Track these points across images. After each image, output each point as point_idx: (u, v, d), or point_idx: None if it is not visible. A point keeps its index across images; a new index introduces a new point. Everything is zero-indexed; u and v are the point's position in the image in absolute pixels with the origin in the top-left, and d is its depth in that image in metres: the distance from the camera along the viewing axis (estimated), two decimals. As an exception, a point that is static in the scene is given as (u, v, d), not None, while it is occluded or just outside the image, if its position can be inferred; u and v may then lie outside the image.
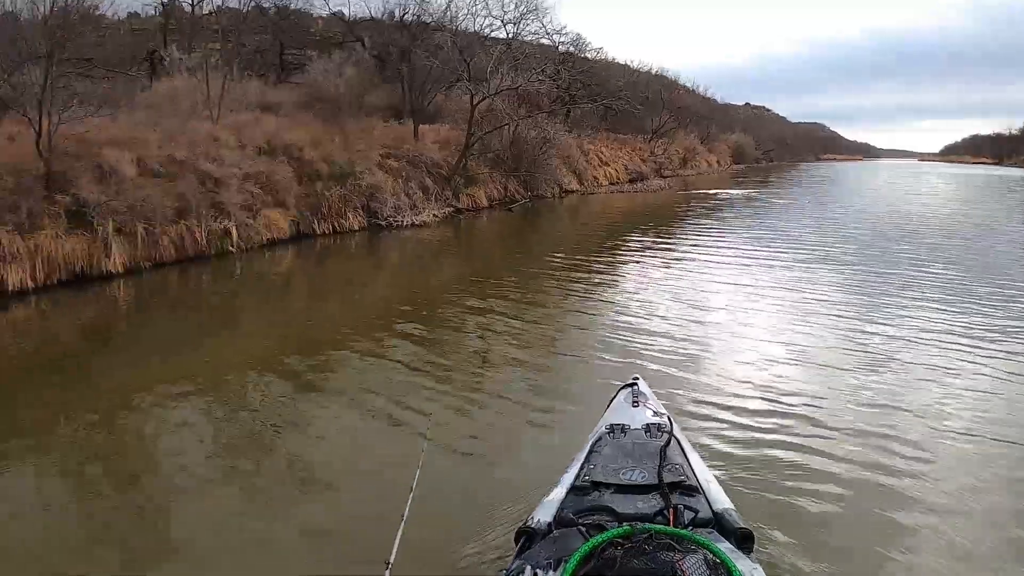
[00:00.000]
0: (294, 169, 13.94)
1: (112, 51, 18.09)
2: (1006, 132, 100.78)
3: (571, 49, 30.03)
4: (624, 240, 15.28)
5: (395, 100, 22.37)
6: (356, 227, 14.42)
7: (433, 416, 4.61)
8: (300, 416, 5.46)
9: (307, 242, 13.27)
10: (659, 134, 40.19)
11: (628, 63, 40.98)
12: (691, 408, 5.54)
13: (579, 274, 11.09)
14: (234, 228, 11.81)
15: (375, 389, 5.89)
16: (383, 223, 14.90)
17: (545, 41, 28.49)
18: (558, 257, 12.54)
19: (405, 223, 15.21)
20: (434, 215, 16.38)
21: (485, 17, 27.61)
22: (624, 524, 2.37)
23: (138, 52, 20.94)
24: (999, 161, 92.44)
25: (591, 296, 9.71)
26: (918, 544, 3.81)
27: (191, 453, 4.81)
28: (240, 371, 6.50)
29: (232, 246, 11.71)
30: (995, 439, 5.06)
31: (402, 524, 2.56)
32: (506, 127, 21.48)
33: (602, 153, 31.37)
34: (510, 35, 26.53)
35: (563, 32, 29.45)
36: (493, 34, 26.14)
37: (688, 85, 50.14)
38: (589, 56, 31.51)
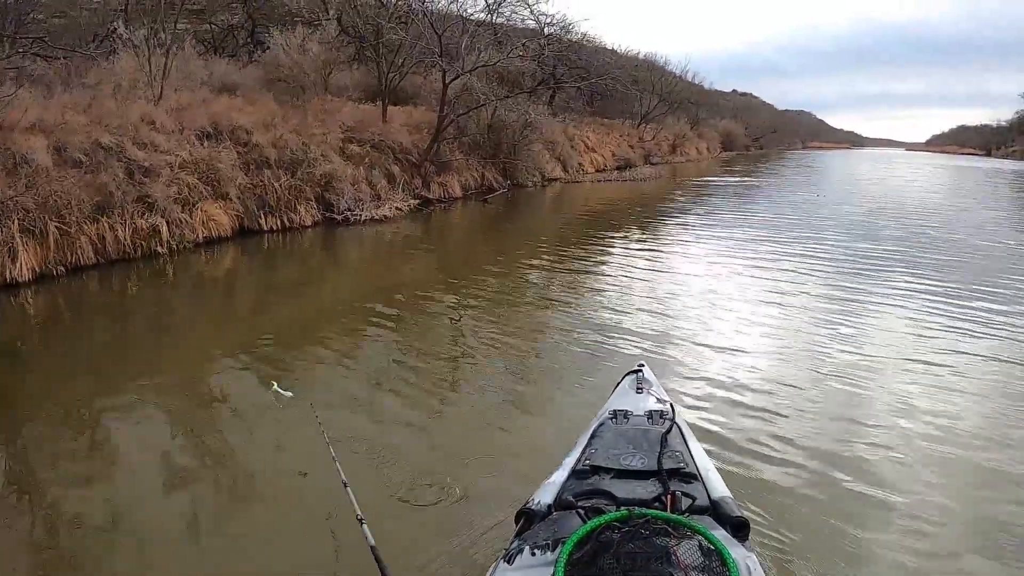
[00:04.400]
0: (240, 156, 12.45)
1: (72, 29, 16.93)
2: (993, 123, 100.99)
3: (557, 31, 28.59)
4: (618, 231, 14.76)
5: (371, 81, 20.85)
6: (309, 222, 12.76)
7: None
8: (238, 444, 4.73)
9: (252, 240, 11.74)
10: (648, 119, 38.91)
11: (616, 47, 39.58)
12: (695, 396, 5.61)
13: (571, 267, 10.76)
14: (164, 225, 10.40)
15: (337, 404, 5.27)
16: (339, 217, 13.25)
17: (531, 23, 27.07)
18: (548, 250, 12.10)
19: (364, 217, 13.54)
20: (397, 208, 14.65)
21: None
22: (622, 508, 2.37)
23: (100, 31, 19.52)
24: (988, 152, 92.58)
25: (586, 288, 9.52)
26: (913, 537, 3.85)
27: (110, 485, 4.20)
28: (173, 388, 5.72)
29: (161, 246, 10.25)
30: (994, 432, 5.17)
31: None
32: (484, 108, 19.92)
33: (588, 139, 30.02)
34: (493, 17, 25.12)
35: (549, 15, 27.83)
36: (475, 16, 24.70)
37: (676, 71, 48.76)
38: (575, 39, 30.07)
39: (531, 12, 26.76)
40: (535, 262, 10.98)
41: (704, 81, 59.75)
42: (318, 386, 5.61)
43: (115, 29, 19.05)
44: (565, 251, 12.02)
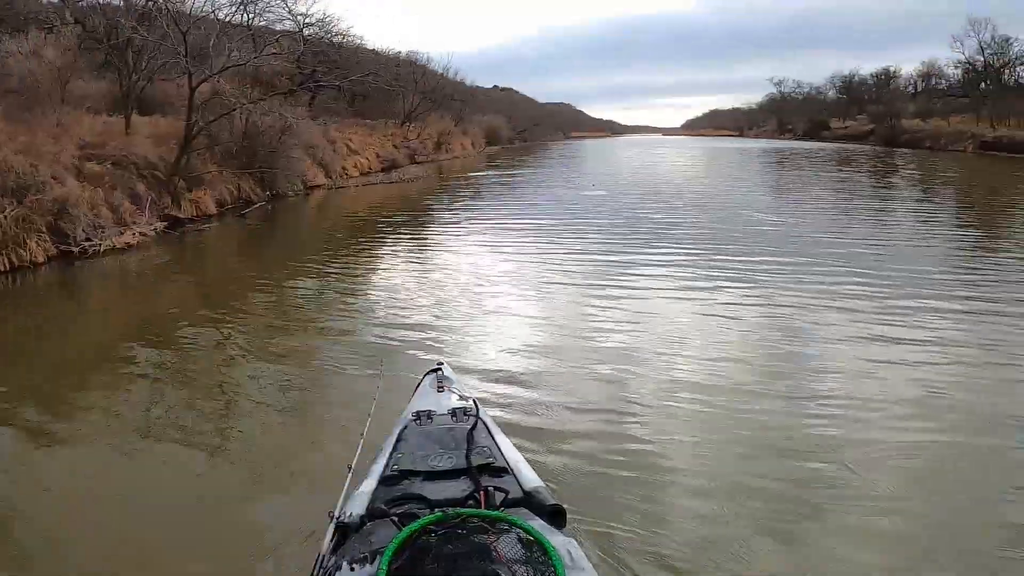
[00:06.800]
0: (-48, 185, 11.12)
1: None
2: (744, 106, 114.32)
3: (317, 31, 28.05)
4: (389, 235, 15.02)
5: (116, 90, 19.03)
6: (42, 258, 11.35)
7: None
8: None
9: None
10: (411, 118, 39.38)
11: (377, 47, 39.55)
12: (497, 389, 5.79)
13: (345, 277, 10.89)
14: None
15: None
16: (76, 249, 11.98)
17: (289, 23, 26.32)
18: (317, 262, 11.92)
19: (105, 246, 12.42)
20: (143, 234, 13.66)
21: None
22: (436, 510, 2.36)
23: None
24: (740, 133, 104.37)
25: (364, 297, 9.72)
26: (700, 499, 4.28)
27: None
28: None
29: None
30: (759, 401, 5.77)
31: None
32: (237, 114, 19.03)
33: (351, 141, 29.88)
34: (248, 17, 24.14)
35: (308, 15, 27.11)
36: (226, 16, 23.46)
37: (438, 69, 49.68)
38: (336, 40, 29.68)
39: (288, 10, 25.97)
40: (305, 277, 10.83)
41: (466, 78, 61.42)
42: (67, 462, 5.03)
43: None
44: (336, 262, 11.96)
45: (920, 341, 7.13)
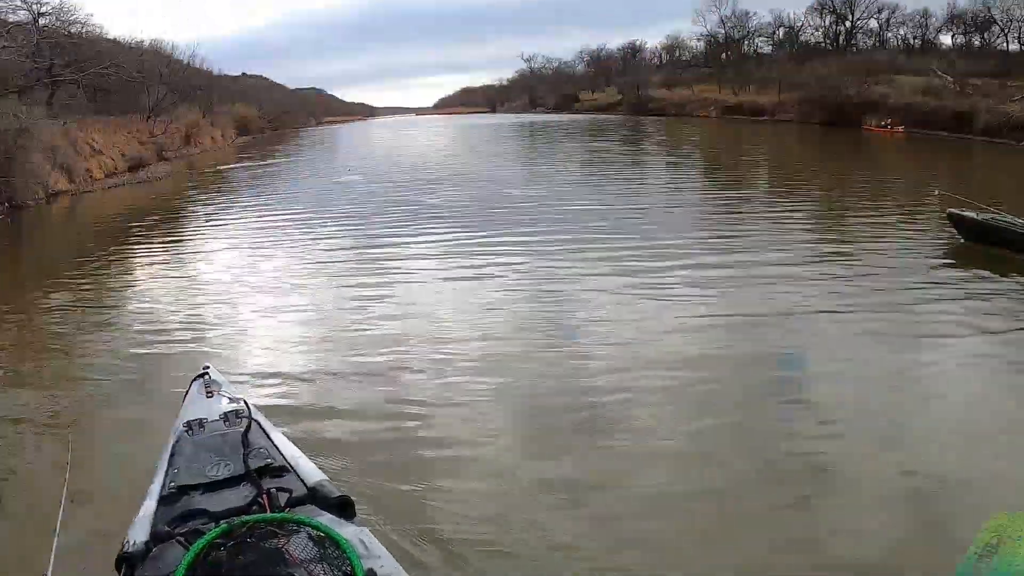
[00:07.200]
0: None
1: None
2: (496, 83, 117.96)
3: (53, 21, 26.03)
4: (141, 240, 14.18)
5: None
6: None
7: None
8: None
9: None
10: (158, 112, 37.49)
11: (117, 37, 37.05)
12: (269, 386, 5.68)
13: (98, 289, 10.22)
14: None
15: None
16: None
17: (24, 14, 24.22)
18: (68, 277, 10.90)
19: None
20: None
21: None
22: (222, 523, 2.35)
23: None
24: (493, 109, 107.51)
25: (120, 307, 9.20)
26: (503, 480, 4.41)
27: None
28: None
29: None
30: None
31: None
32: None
33: (95, 140, 28.12)
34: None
35: (43, 3, 25.06)
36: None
37: (184, 58, 47.27)
38: (74, 31, 27.66)
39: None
40: (54, 294, 9.86)
41: (214, 66, 58.63)
42: None
43: None
44: (86, 275, 11.09)
45: (680, 297, 8.02)
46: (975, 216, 10.03)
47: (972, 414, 5.29)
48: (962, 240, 10.26)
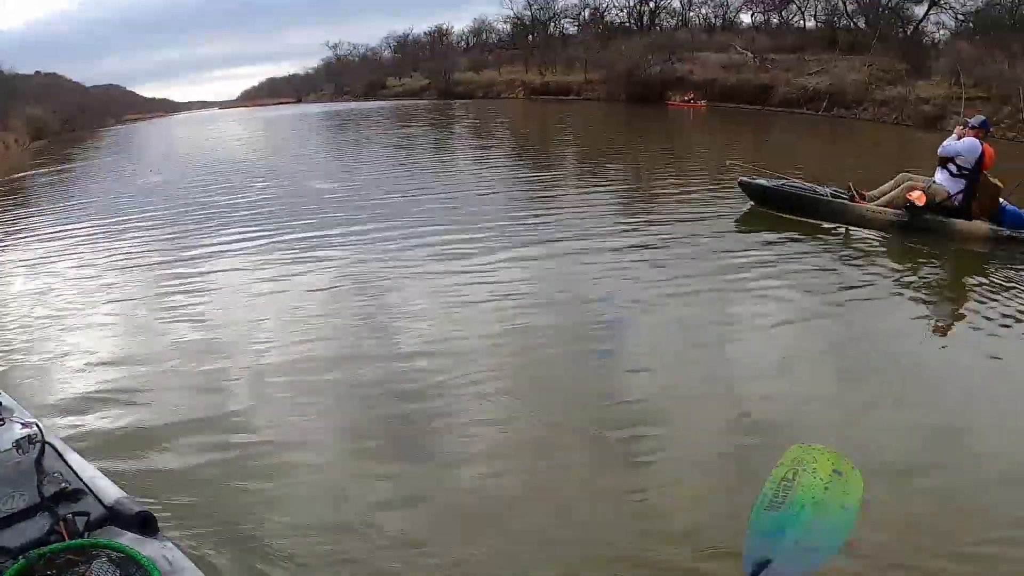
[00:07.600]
0: None
1: None
2: (302, 72, 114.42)
3: None
4: None
5: None
6: None
7: None
8: None
9: None
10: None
11: None
12: (67, 406, 5.32)
13: None
14: None
15: None
16: None
17: None
18: None
19: None
20: None
21: None
22: (20, 559, 2.25)
23: None
24: (299, 99, 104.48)
25: None
26: (332, 482, 4.24)
27: None
28: None
29: None
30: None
31: None
32: None
33: None
34: None
35: None
36: None
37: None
38: None
39: None
40: None
41: (4, 65, 52.86)
42: None
43: None
44: None
45: (500, 282, 7.89)
46: (763, 183, 10.74)
47: (771, 356, 5.77)
48: (753, 204, 10.99)
